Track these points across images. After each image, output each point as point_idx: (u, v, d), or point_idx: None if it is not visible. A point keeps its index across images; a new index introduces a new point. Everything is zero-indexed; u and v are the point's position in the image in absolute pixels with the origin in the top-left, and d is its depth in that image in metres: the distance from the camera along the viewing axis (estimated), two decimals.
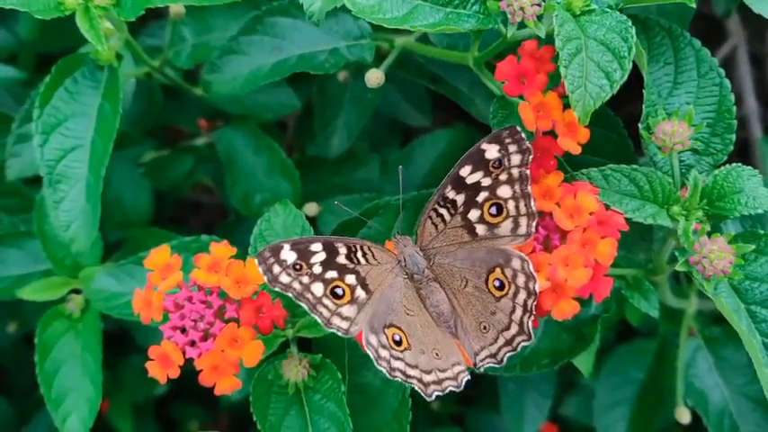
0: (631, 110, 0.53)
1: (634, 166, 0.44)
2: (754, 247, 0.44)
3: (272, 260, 0.43)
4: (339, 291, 0.43)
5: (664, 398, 0.69)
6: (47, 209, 0.56)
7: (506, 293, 0.43)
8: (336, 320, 0.43)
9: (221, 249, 0.46)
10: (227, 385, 0.45)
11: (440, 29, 0.43)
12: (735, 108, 0.47)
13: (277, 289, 0.43)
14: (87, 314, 0.60)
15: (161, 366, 0.45)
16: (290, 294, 0.43)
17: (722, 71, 0.47)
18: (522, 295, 0.42)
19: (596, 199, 0.43)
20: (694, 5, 0.43)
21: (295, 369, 0.48)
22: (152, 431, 0.88)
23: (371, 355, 0.43)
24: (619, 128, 0.50)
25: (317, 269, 0.43)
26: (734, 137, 0.47)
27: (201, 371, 0.45)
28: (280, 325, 0.47)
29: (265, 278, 0.43)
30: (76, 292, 0.62)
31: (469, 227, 0.44)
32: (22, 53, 0.77)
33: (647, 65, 0.47)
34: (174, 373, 0.45)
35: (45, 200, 0.56)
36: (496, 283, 0.43)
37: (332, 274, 0.43)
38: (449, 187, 0.44)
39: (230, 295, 0.45)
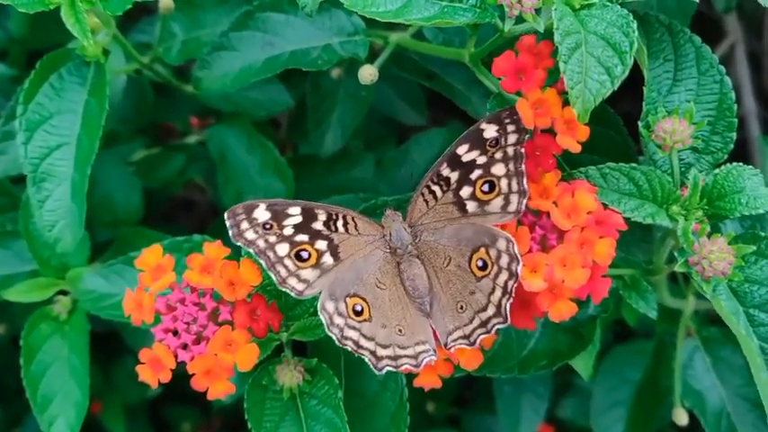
0: (625, 108, 0.52)
1: (633, 164, 0.44)
2: (754, 248, 0.43)
3: (242, 216, 0.43)
4: (305, 254, 0.43)
5: (661, 399, 0.68)
6: (32, 208, 0.54)
7: (488, 274, 0.43)
8: (293, 281, 0.43)
9: (215, 250, 0.45)
10: (220, 390, 0.44)
11: (435, 22, 0.42)
12: (735, 106, 0.46)
13: (239, 244, 0.43)
14: (74, 316, 0.59)
15: (152, 370, 0.44)
16: (250, 250, 0.43)
17: (723, 68, 0.46)
18: (503, 276, 0.42)
19: (594, 198, 0.42)
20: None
21: (290, 374, 0.47)
22: None
23: (324, 321, 0.43)
24: (618, 126, 0.49)
25: (288, 231, 0.43)
26: (734, 135, 0.46)
27: (194, 375, 0.44)
28: (275, 328, 0.46)
29: (230, 232, 0.43)
30: (64, 293, 0.61)
31: (460, 203, 0.44)
32: (12, 49, 0.76)
33: (647, 61, 0.46)
34: (166, 378, 0.44)
35: (30, 199, 0.55)
36: (479, 263, 0.43)
37: (302, 237, 0.43)
38: (444, 165, 0.44)
39: (224, 297, 0.44)
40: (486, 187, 0.43)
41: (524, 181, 0.43)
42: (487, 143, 0.43)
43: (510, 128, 0.43)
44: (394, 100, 0.73)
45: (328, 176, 0.72)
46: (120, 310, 0.46)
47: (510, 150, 0.43)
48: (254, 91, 0.66)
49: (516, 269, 0.42)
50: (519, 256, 0.42)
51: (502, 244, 0.42)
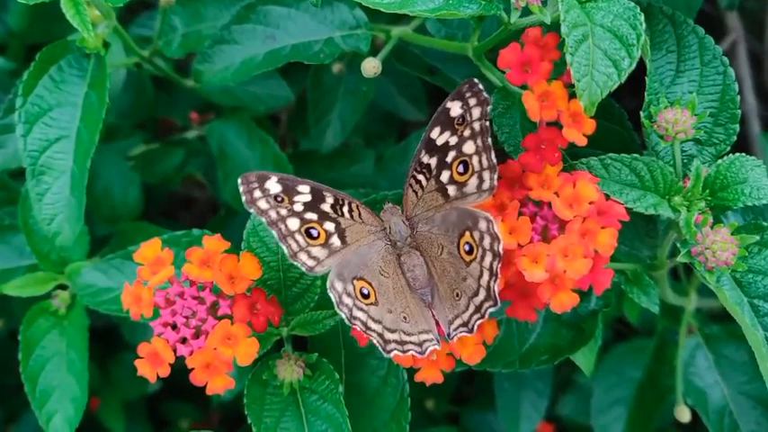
0: (628, 103, 0.52)
1: (635, 155, 0.43)
2: (757, 238, 0.43)
3: (255, 185, 0.43)
4: (314, 232, 0.43)
5: (662, 397, 0.68)
6: (31, 202, 0.54)
7: (475, 257, 0.43)
8: (303, 256, 0.43)
9: (214, 243, 0.45)
10: (219, 384, 0.43)
11: (440, 14, 0.42)
12: (739, 98, 0.46)
13: (251, 211, 0.43)
14: (73, 311, 0.59)
15: (151, 365, 0.43)
16: (262, 219, 0.43)
17: (726, 59, 0.46)
18: (488, 258, 0.42)
19: (596, 188, 0.42)
20: None
21: (290, 369, 0.47)
22: (143, 429, 0.86)
23: (333, 299, 0.43)
24: (623, 120, 0.49)
25: (298, 207, 0.43)
26: (737, 127, 0.46)
27: (193, 369, 0.43)
28: (275, 322, 0.46)
29: (243, 198, 0.42)
30: (62, 287, 0.61)
31: (442, 189, 0.44)
32: (11, 43, 0.75)
33: (650, 52, 0.46)
34: (165, 372, 0.43)
35: (29, 192, 0.54)
36: (466, 248, 0.43)
37: (311, 215, 0.43)
38: (423, 152, 0.44)
39: (223, 291, 0.44)
40: (461, 168, 0.43)
41: (492, 155, 0.42)
42: (455, 122, 0.42)
43: (472, 101, 0.42)
44: (394, 95, 0.73)
45: (328, 172, 0.71)
46: (119, 304, 0.46)
47: (476, 126, 0.42)
48: (254, 85, 0.65)
49: (498, 249, 0.41)
50: (499, 235, 0.41)
51: (483, 225, 0.42)
